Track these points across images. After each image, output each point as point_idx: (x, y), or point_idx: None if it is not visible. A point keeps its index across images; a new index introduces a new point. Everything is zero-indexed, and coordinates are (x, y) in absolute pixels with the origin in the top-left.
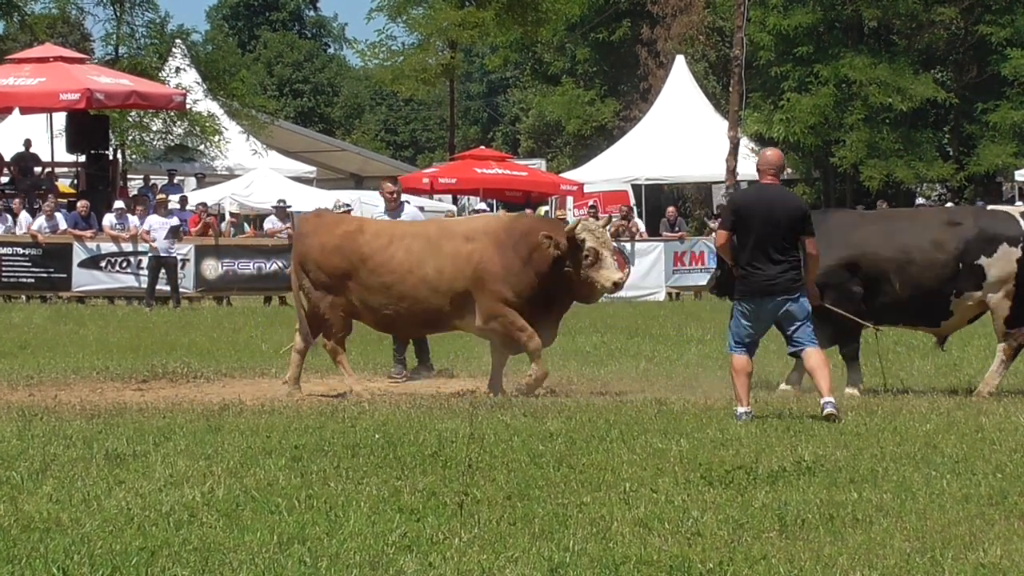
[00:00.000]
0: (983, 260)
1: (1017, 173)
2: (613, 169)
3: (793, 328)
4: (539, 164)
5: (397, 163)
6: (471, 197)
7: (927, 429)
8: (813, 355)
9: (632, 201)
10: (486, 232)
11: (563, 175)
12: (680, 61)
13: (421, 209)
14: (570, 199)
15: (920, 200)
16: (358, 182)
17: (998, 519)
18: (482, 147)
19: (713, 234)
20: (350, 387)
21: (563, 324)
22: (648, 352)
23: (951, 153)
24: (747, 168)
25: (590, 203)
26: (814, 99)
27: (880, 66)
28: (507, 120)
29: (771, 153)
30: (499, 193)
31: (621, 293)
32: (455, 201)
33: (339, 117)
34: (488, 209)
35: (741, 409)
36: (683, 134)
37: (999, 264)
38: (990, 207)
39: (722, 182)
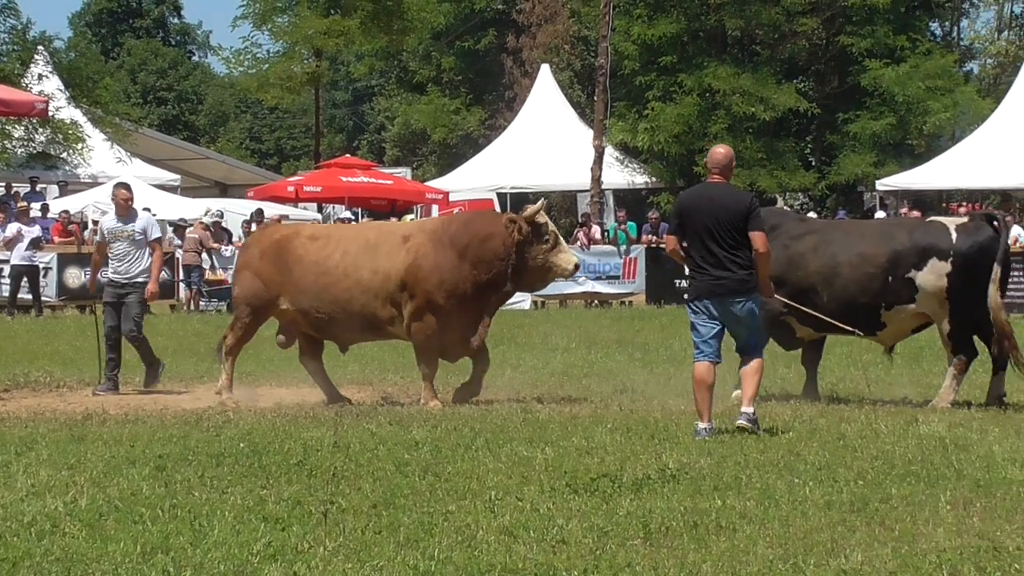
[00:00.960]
0: (914, 273)
1: (879, 182)
2: (479, 178)
3: (742, 332)
4: (404, 173)
5: (262, 171)
6: (336, 205)
7: (790, 437)
8: (753, 362)
9: (498, 210)
10: (422, 229)
11: (429, 184)
12: (545, 70)
13: (287, 218)
14: (435, 207)
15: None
16: (223, 190)
17: (860, 525)
18: (347, 155)
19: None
20: (221, 389)
21: None
22: (514, 360)
23: (813, 162)
24: (612, 176)
25: (456, 211)
26: (678, 108)
27: (743, 76)
28: (372, 128)
29: (719, 151)
30: (364, 202)
31: None
32: (320, 210)
33: (204, 125)
34: (353, 218)
35: (701, 425)
36: (548, 143)
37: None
38: (931, 218)
39: (587, 191)
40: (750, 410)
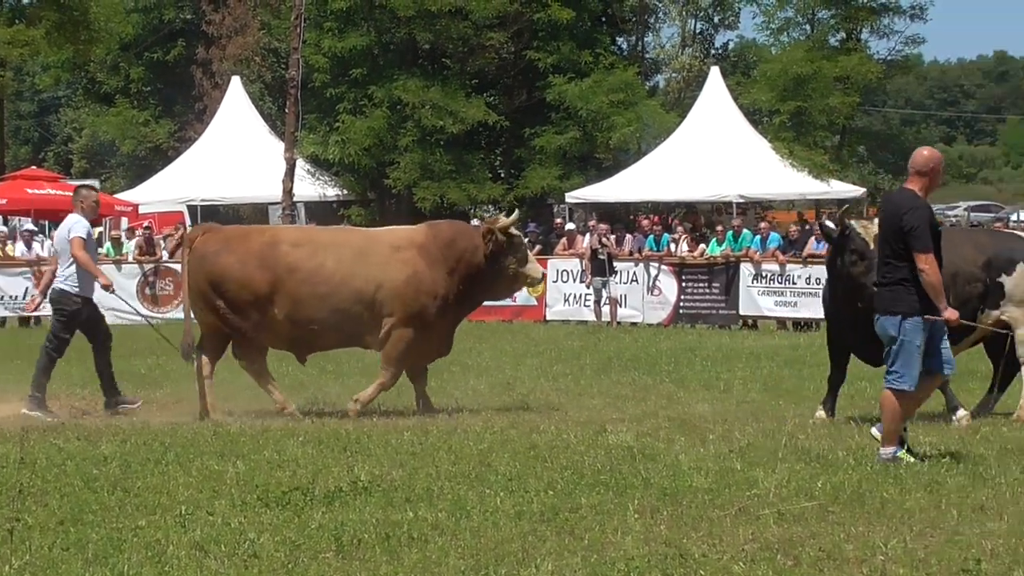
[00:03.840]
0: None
1: (567, 195)
2: (168, 190)
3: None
4: (93, 185)
5: None
6: (22, 218)
7: (482, 448)
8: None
9: (188, 222)
10: (412, 242)
11: (117, 196)
12: (236, 82)
13: None
14: (124, 220)
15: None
16: None
17: (550, 535)
18: (33, 167)
19: None
20: (280, 405)
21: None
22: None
23: (502, 175)
24: (303, 189)
25: (145, 224)
26: (368, 121)
27: (433, 88)
28: (59, 140)
29: (919, 152)
30: (52, 214)
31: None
32: (5, 223)
33: None
34: (37, 230)
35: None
36: (239, 155)
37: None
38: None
39: (279, 203)
40: (887, 450)
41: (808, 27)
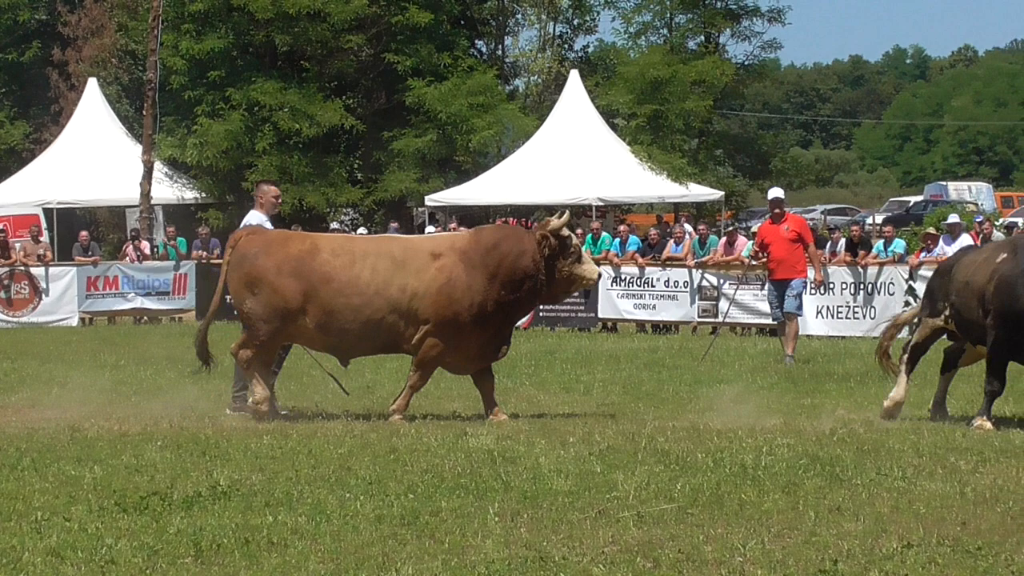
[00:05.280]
0: None
1: (427, 198)
2: (24, 193)
3: None
4: None
5: None
6: None
7: (342, 452)
8: None
9: (44, 225)
10: (453, 248)
11: None
12: (92, 84)
13: None
14: None
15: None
16: None
17: (410, 539)
18: None
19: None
20: (258, 396)
21: None
22: (61, 378)
23: (360, 178)
24: (161, 192)
25: (0, 227)
26: (226, 124)
27: (290, 91)
28: None
29: None
30: None
31: (32, 318)
32: None
33: None
34: None
35: None
36: (96, 157)
37: None
38: None
39: (136, 206)
40: None
41: (666, 31)
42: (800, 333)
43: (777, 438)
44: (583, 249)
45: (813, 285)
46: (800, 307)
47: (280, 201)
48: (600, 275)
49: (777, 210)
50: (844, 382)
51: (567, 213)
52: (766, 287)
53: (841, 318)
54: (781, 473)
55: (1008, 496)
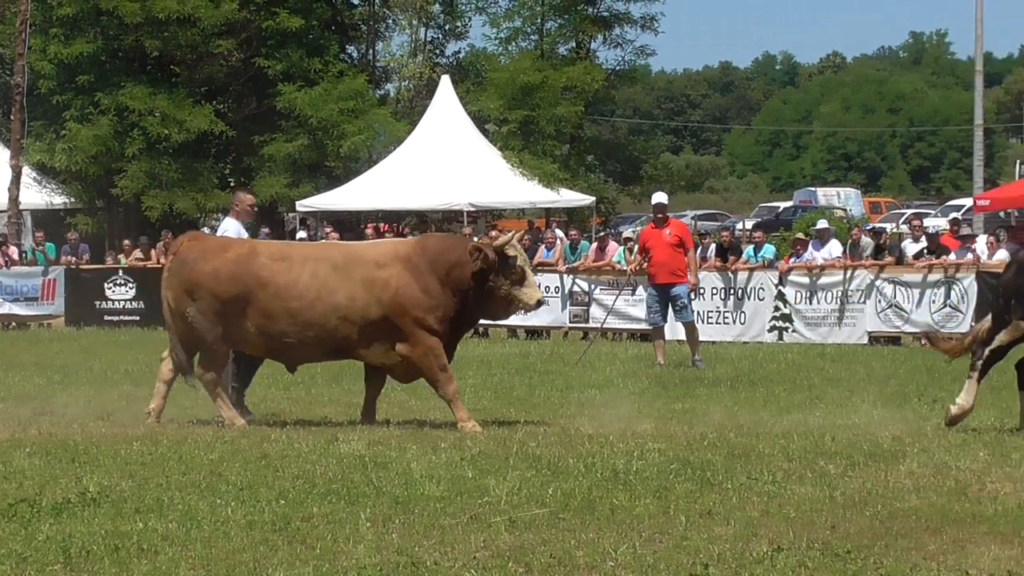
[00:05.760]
0: None
1: (298, 204)
2: None
3: None
4: None
5: None
6: None
7: (212, 458)
8: None
9: None
10: (396, 256)
11: None
12: None
13: None
14: None
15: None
16: None
17: (281, 544)
18: None
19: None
20: (230, 421)
21: None
22: None
23: (232, 183)
24: (30, 197)
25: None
26: (95, 129)
27: (160, 96)
28: None
29: None
30: None
31: None
32: None
33: None
34: None
35: None
36: None
37: None
38: None
39: (5, 211)
40: None
41: (537, 37)
42: (670, 338)
43: (648, 443)
44: (529, 273)
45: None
46: (692, 312)
47: (256, 209)
48: (540, 303)
49: (660, 215)
50: (715, 387)
51: (513, 234)
52: (646, 291)
53: (712, 323)
54: (652, 478)
55: (876, 500)
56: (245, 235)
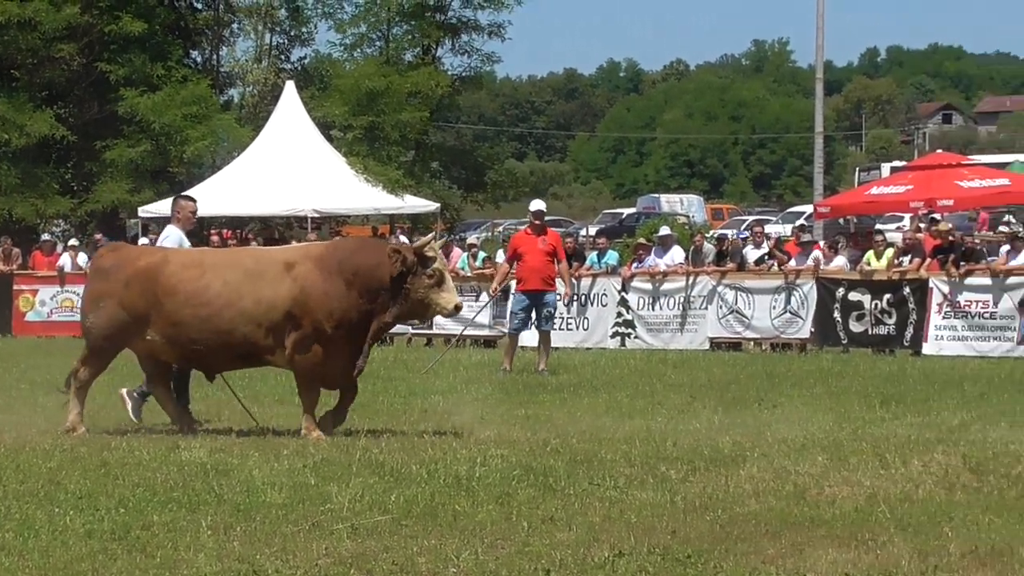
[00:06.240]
0: None
1: (140, 209)
2: None
3: None
4: None
5: None
6: None
7: (51, 466)
8: None
9: None
10: (308, 256)
11: None
12: None
13: None
14: None
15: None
16: None
17: (121, 553)
18: None
19: None
20: (72, 426)
21: None
22: None
23: (74, 188)
24: None
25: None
26: None
27: None
28: None
29: None
30: None
31: None
32: None
33: None
34: None
35: None
36: None
37: None
38: None
39: None
40: None
41: (383, 43)
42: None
43: (491, 449)
44: (446, 277)
45: (563, 300)
46: (554, 323)
47: (196, 216)
48: (458, 307)
49: (538, 222)
50: (558, 393)
51: (433, 236)
52: (513, 296)
53: (555, 329)
54: (495, 484)
55: (717, 504)
56: (187, 243)
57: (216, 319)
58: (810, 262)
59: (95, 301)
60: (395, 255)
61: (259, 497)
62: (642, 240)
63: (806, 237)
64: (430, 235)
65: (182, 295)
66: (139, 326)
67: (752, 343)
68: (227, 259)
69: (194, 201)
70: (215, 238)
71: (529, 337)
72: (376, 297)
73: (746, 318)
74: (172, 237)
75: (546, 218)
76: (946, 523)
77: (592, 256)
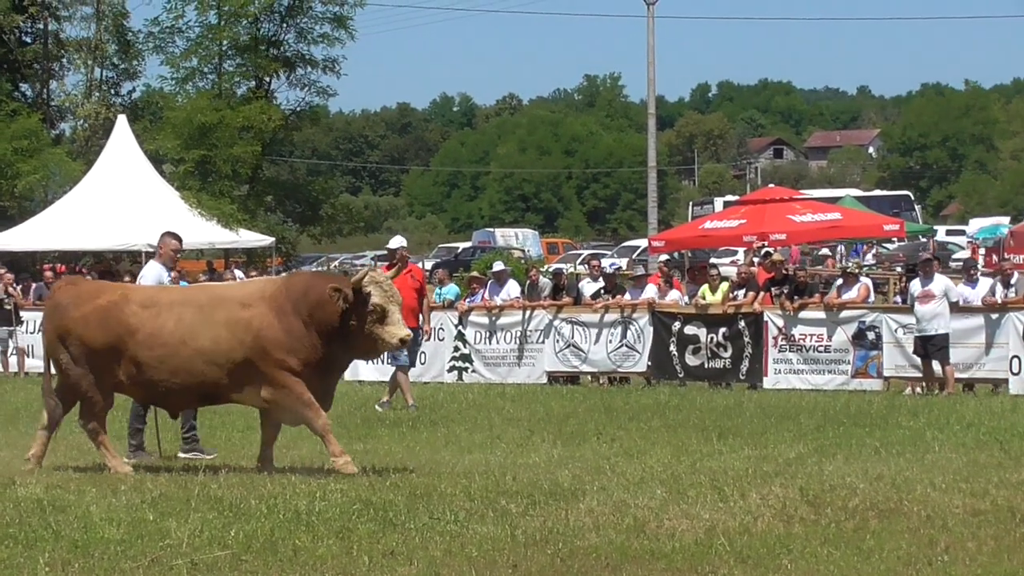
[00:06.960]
0: None
1: None
2: None
3: None
4: None
5: None
6: None
7: None
8: None
9: None
10: (263, 296)
11: None
12: None
13: None
14: None
15: None
16: None
17: None
18: None
19: None
20: (115, 468)
21: None
22: None
23: None
24: None
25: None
26: None
27: None
28: None
29: None
30: None
31: None
32: None
33: None
34: None
35: None
36: None
37: None
38: None
39: None
40: None
41: (215, 76)
42: (352, 379)
43: (331, 483)
44: (391, 311)
45: (426, 337)
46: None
47: (179, 255)
48: (403, 340)
49: (398, 259)
50: (396, 427)
51: (367, 270)
52: None
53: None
54: (335, 518)
55: (557, 538)
56: (167, 279)
57: (174, 359)
58: (644, 296)
59: (60, 338)
60: (336, 293)
61: (97, 533)
62: (475, 274)
63: (639, 271)
64: (365, 269)
65: (141, 335)
66: (104, 364)
67: (589, 377)
68: (180, 297)
69: (179, 240)
70: (48, 273)
71: (375, 371)
72: (332, 334)
73: (583, 352)
74: (150, 275)
75: (378, 252)
76: (785, 555)
77: (437, 291)
